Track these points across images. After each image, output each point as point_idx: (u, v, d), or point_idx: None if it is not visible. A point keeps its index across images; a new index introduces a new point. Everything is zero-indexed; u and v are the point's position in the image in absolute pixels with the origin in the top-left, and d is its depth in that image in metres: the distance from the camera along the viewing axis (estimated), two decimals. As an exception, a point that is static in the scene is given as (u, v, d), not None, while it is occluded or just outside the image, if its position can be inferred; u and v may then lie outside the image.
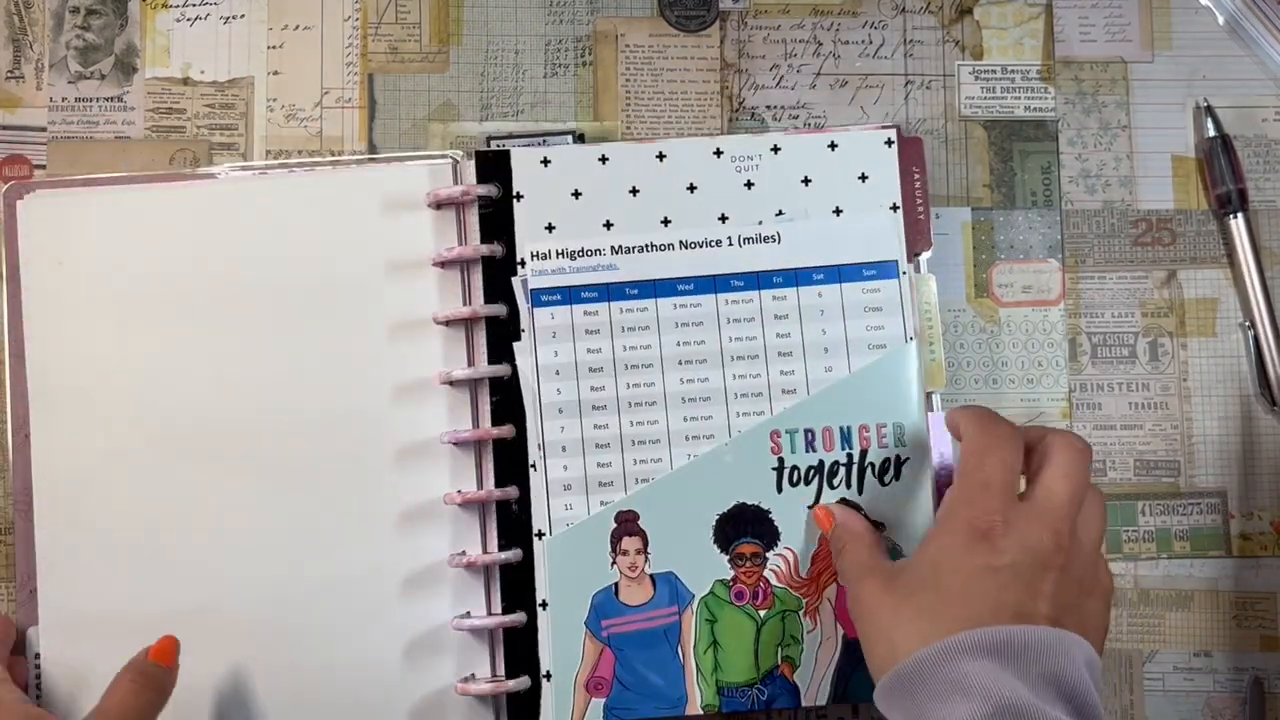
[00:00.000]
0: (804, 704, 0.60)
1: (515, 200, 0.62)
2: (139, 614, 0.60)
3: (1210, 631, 0.64)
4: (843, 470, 0.61)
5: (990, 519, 0.49)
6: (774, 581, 0.61)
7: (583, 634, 0.61)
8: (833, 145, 0.63)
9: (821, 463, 0.61)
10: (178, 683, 0.56)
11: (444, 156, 0.63)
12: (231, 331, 0.61)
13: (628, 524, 0.61)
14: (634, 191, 0.62)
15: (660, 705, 0.61)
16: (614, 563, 0.61)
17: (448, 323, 0.61)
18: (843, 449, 0.61)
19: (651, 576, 0.61)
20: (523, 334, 0.61)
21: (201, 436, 0.61)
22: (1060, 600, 0.48)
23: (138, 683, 0.54)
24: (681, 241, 0.62)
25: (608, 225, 0.62)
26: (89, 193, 0.62)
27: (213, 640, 0.60)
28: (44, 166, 0.65)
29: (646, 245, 0.62)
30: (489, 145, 0.65)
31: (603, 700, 0.61)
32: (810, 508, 0.61)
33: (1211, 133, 0.66)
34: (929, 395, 0.62)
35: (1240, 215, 0.65)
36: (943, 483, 0.61)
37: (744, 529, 0.61)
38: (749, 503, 0.61)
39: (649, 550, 0.61)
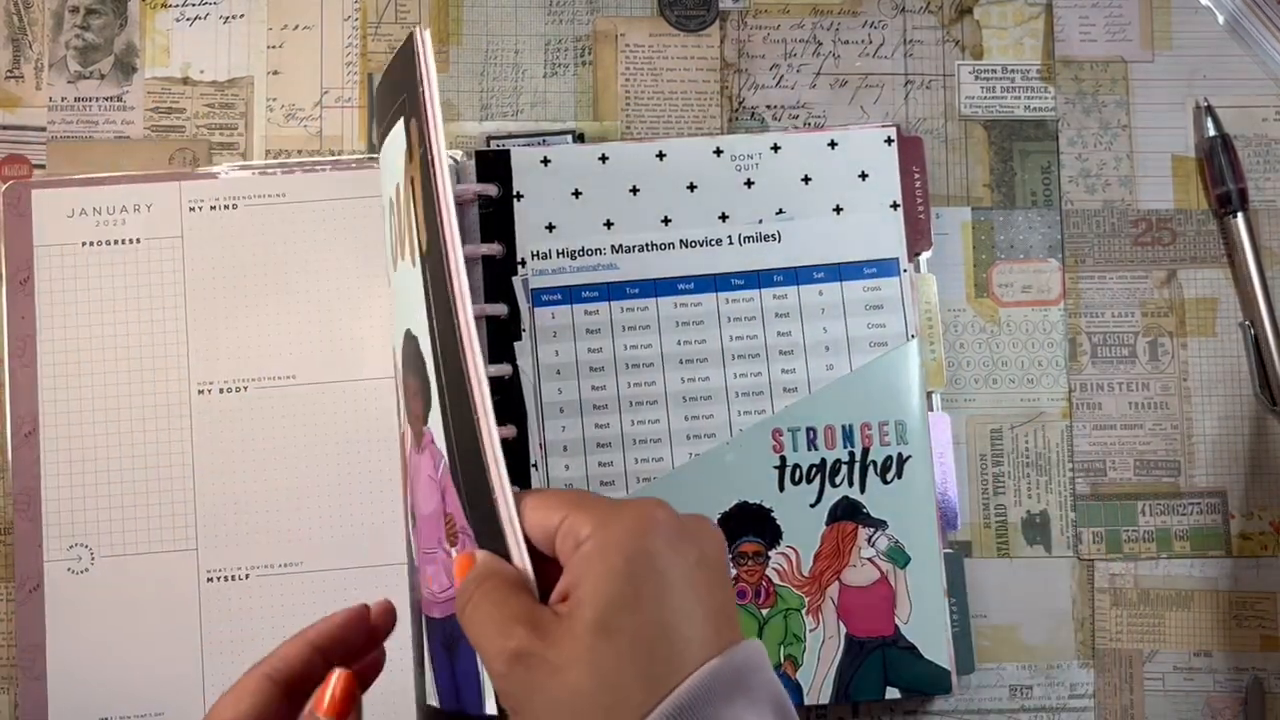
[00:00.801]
0: (806, 702, 0.60)
1: (515, 200, 0.62)
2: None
3: (1210, 631, 0.64)
4: (845, 468, 0.61)
5: (666, 518, 0.40)
6: (776, 580, 0.61)
7: None
8: (832, 144, 0.63)
9: (823, 460, 0.61)
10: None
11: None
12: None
13: None
14: (634, 191, 0.62)
15: None
16: None
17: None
18: (844, 447, 0.61)
19: None
20: (523, 334, 0.61)
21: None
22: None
23: None
24: (682, 240, 0.62)
25: (608, 225, 0.62)
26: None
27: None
28: (44, 166, 0.65)
29: (647, 244, 0.62)
30: (489, 145, 0.65)
31: None
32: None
33: (1211, 132, 0.66)
34: (929, 395, 0.62)
35: (1240, 215, 0.65)
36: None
37: (746, 528, 0.61)
38: (751, 501, 0.61)
39: None
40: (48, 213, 0.62)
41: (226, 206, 0.63)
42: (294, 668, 0.43)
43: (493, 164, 0.62)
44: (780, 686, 0.38)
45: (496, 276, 0.61)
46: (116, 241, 0.62)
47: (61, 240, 0.62)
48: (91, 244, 0.62)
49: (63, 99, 0.66)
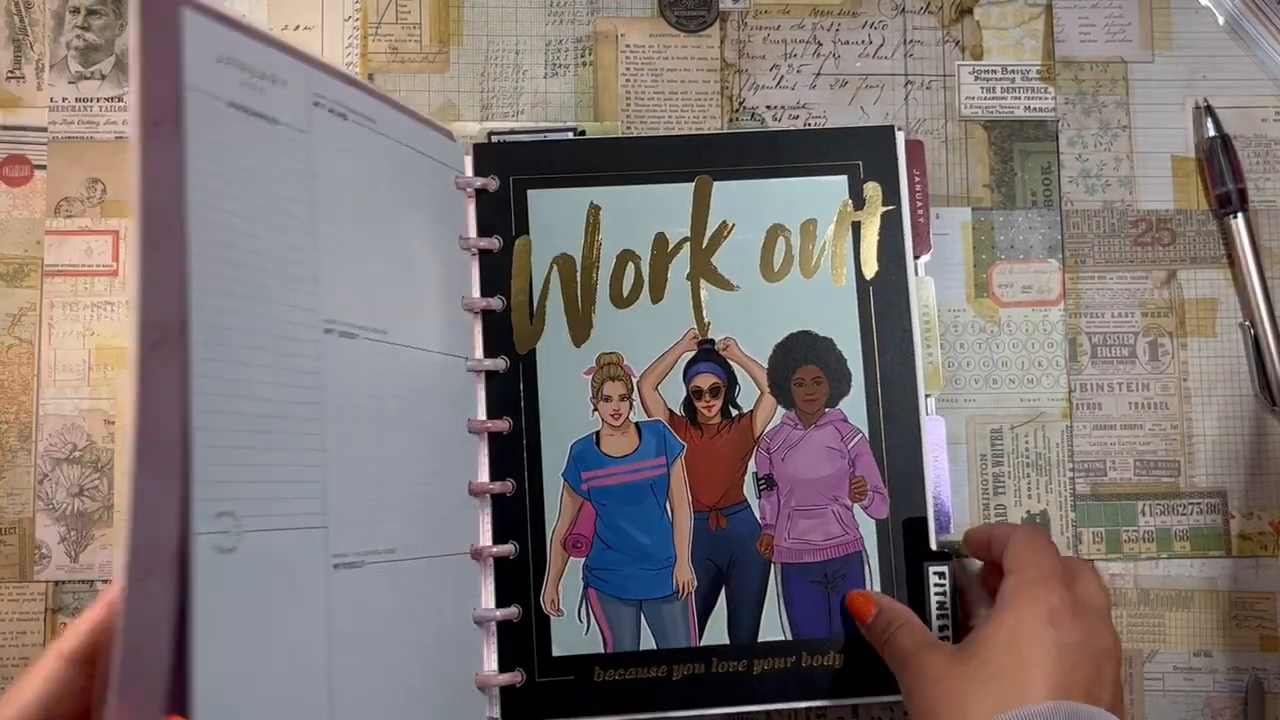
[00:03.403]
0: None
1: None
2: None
3: (1210, 631, 0.64)
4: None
5: (1063, 600, 0.51)
6: None
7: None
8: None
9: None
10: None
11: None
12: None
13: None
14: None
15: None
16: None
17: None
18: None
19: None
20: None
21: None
22: (1116, 691, 0.51)
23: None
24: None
25: None
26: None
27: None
28: (44, 167, 0.65)
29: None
30: (490, 140, 0.64)
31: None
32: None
33: (1211, 132, 0.66)
34: (927, 398, 0.62)
35: (1240, 215, 0.65)
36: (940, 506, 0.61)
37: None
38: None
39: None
40: (198, 46, 0.42)
41: (342, 115, 0.51)
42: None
43: (492, 157, 0.62)
44: None
45: (493, 270, 0.61)
46: (257, 114, 0.45)
47: (210, 88, 0.43)
48: (236, 107, 0.44)
49: (64, 99, 0.66)
